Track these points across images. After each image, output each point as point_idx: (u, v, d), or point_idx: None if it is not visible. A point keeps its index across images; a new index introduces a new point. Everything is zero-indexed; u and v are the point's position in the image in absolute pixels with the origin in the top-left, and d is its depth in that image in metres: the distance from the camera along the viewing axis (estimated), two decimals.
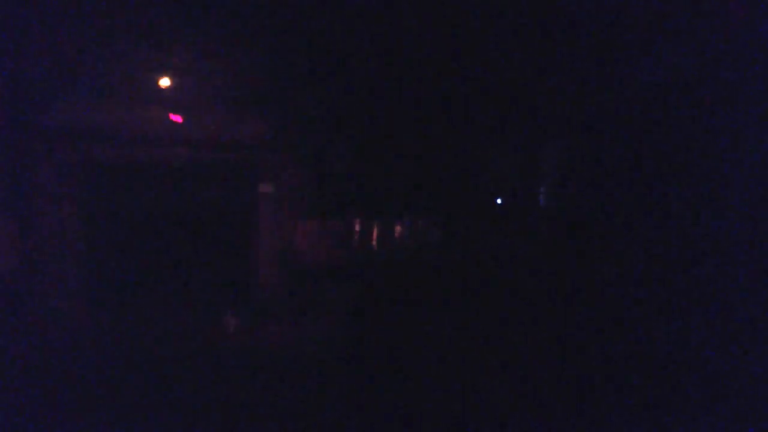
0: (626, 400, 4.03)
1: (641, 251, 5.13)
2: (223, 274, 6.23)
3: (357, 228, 6.52)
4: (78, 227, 5.58)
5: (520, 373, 4.50)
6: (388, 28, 5.48)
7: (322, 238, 6.25)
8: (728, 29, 4.78)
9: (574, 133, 5.64)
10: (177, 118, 5.63)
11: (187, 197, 6.04)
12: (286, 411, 4.10)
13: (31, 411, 3.90)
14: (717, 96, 4.80)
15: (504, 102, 6.04)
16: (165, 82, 5.55)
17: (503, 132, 6.27)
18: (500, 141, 6.43)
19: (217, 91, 5.63)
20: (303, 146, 6.06)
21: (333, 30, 5.58)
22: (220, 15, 5.42)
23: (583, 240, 5.63)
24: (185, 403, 4.14)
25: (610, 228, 5.31)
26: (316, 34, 5.61)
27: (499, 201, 6.04)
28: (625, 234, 5.22)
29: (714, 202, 4.79)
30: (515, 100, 5.97)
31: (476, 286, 6.08)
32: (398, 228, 6.44)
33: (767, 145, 4.62)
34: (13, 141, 5.26)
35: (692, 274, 4.80)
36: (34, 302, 5.40)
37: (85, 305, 5.71)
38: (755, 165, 4.72)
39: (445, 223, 6.46)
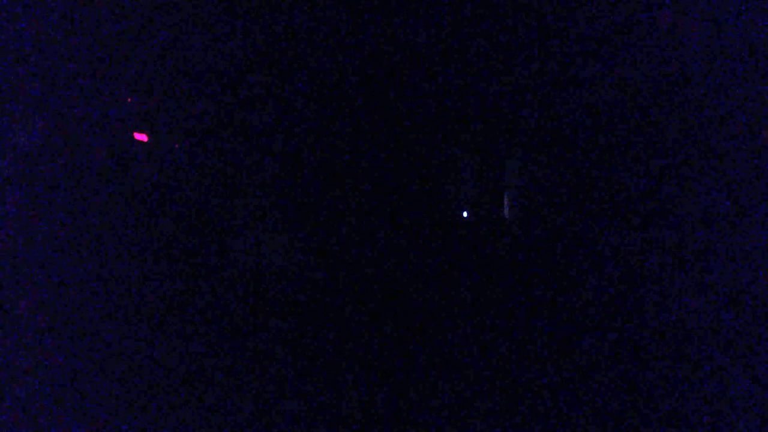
0: None
1: (613, 264, 5.18)
2: (188, 293, 6.18)
3: (321, 245, 6.48)
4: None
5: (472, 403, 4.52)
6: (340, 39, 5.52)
7: (286, 256, 6.22)
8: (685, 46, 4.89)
9: (542, 144, 5.70)
10: (142, 137, 5.63)
11: (151, 217, 6.01)
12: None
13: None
14: (686, 105, 4.89)
15: (468, 113, 6.09)
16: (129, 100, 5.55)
17: (467, 144, 6.31)
18: (465, 151, 6.46)
19: None
20: (268, 161, 6.04)
21: (295, 45, 5.60)
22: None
23: (552, 253, 5.67)
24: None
25: (581, 241, 5.35)
26: (279, 49, 5.62)
27: (465, 214, 6.08)
28: (598, 246, 5.27)
29: (690, 212, 4.84)
30: (480, 111, 6.02)
31: (440, 303, 6.08)
32: (360, 245, 6.42)
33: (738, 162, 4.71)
34: None
35: (668, 290, 4.85)
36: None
37: (41, 330, 5.63)
38: (731, 177, 4.79)
39: (409, 239, 6.47)
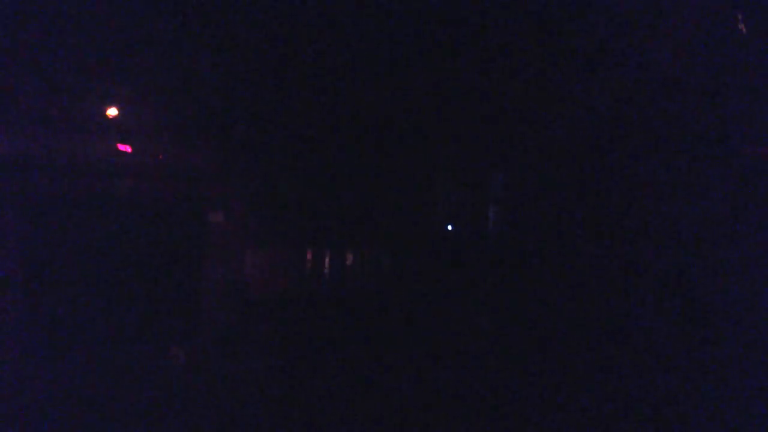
0: None
1: (592, 275, 5.21)
2: (171, 305, 6.07)
3: (308, 258, 6.47)
4: (17, 259, 5.39)
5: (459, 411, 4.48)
6: (333, 56, 5.57)
7: (272, 268, 6.18)
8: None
9: (524, 159, 5.75)
10: (125, 148, 5.57)
11: (134, 228, 5.92)
12: None
13: None
14: (661, 122, 4.97)
15: (453, 129, 6.16)
16: (112, 111, 5.51)
17: (453, 159, 6.37)
18: (450, 168, 6.52)
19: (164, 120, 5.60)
20: (252, 175, 6.04)
21: (280, 60, 5.65)
22: (168, 44, 5.44)
23: (533, 265, 5.69)
24: None
25: (561, 252, 5.38)
26: (264, 63, 5.67)
27: (449, 227, 6.10)
28: (576, 257, 5.30)
29: (673, 226, 4.84)
30: (465, 127, 6.09)
31: (426, 314, 6.06)
32: (350, 258, 6.42)
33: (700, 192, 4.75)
34: None
35: (645, 301, 4.86)
36: None
37: (25, 338, 5.47)
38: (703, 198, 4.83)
39: (395, 252, 6.47)
